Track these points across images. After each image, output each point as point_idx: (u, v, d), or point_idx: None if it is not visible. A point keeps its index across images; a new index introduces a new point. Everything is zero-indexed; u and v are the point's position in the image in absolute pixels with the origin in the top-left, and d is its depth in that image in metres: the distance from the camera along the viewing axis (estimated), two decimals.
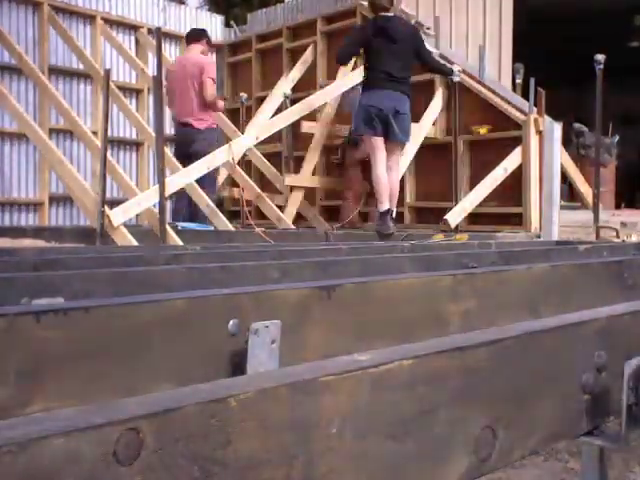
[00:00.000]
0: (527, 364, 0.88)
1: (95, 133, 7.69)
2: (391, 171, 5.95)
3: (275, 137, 8.16)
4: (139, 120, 7.55)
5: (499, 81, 8.03)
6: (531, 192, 6.43)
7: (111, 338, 1.00)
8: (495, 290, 1.64)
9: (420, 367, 0.74)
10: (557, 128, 6.40)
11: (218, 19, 10.47)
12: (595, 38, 10.03)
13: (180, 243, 5.13)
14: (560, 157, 6.50)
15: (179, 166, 6.74)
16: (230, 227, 6.56)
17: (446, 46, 7.94)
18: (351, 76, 7.77)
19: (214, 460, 0.57)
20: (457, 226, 6.18)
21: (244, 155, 7.82)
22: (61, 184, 7.86)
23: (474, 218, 6.83)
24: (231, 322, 1.10)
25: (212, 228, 6.59)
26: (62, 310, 0.96)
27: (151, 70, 8.00)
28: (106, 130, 6.07)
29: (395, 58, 5.84)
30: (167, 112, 7.96)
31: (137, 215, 6.53)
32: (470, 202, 6.40)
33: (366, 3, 8.20)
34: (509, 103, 6.82)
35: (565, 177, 7.19)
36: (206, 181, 6.68)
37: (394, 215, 5.96)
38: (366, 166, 6.59)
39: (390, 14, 6.13)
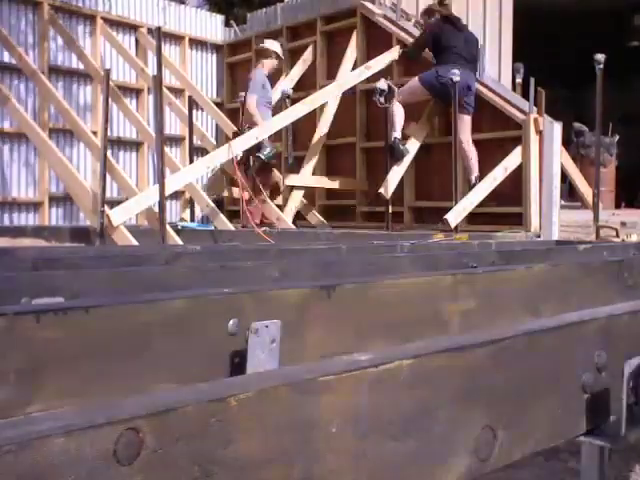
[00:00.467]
0: (527, 364, 0.88)
1: (95, 133, 7.70)
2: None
3: (275, 137, 8.16)
4: (139, 120, 7.55)
5: (499, 81, 8.02)
6: (531, 192, 6.43)
7: (111, 338, 1.00)
8: (495, 290, 1.64)
9: (420, 367, 0.74)
10: (557, 128, 6.39)
11: (218, 19, 10.47)
12: (595, 38, 10.03)
13: (180, 243, 5.13)
14: (560, 157, 6.49)
15: (179, 166, 6.74)
16: (230, 227, 6.56)
17: None
18: (351, 77, 7.78)
19: (214, 460, 0.57)
20: (457, 226, 6.18)
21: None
22: (61, 184, 7.86)
23: (474, 218, 6.82)
24: (231, 322, 1.10)
25: (212, 228, 6.59)
26: (62, 310, 0.96)
27: (151, 70, 8.00)
28: (106, 130, 6.07)
29: (467, 43, 6.98)
30: (167, 112, 7.96)
31: (137, 215, 6.53)
32: (470, 202, 6.39)
33: (373, 9, 8.21)
34: (509, 103, 6.82)
35: (565, 177, 7.18)
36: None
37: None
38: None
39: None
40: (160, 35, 6.05)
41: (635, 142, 12.37)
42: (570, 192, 8.68)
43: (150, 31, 8.84)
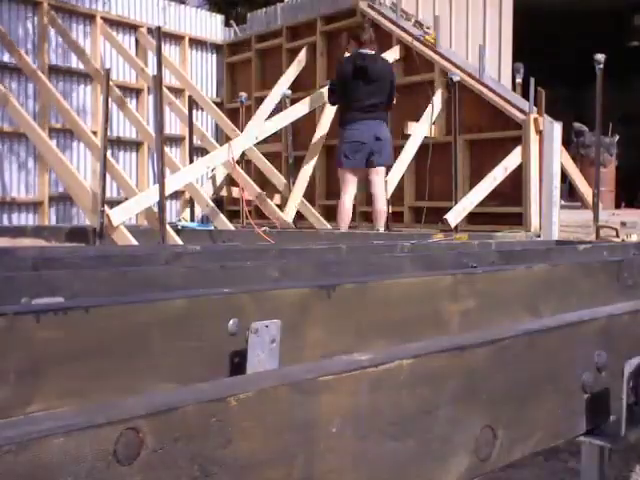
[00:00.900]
0: (527, 364, 0.88)
1: (95, 133, 7.70)
2: (380, 195, 6.39)
3: (275, 137, 8.16)
4: (139, 120, 7.55)
5: (499, 81, 8.02)
6: (531, 192, 6.43)
7: (111, 338, 1.00)
8: (495, 290, 1.64)
9: (420, 367, 0.74)
10: (557, 128, 6.39)
11: (218, 19, 10.47)
12: (595, 38, 10.03)
13: (180, 243, 5.13)
14: (560, 157, 6.49)
15: (179, 166, 6.74)
16: (230, 227, 6.56)
17: (446, 46, 7.94)
18: None
19: (214, 460, 0.57)
20: (457, 226, 6.18)
21: (244, 155, 7.82)
22: (61, 184, 7.86)
23: (474, 218, 6.82)
24: (231, 322, 1.10)
25: (212, 228, 6.59)
26: (62, 310, 0.96)
27: (151, 70, 8.00)
28: (106, 130, 6.07)
29: (370, 94, 6.30)
30: (167, 112, 7.96)
31: (137, 215, 6.53)
32: (470, 201, 6.40)
33: (365, 6, 8.20)
34: (509, 103, 6.82)
35: (565, 177, 7.18)
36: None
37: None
38: None
39: (370, 51, 6.43)
40: (160, 35, 6.05)
41: (635, 142, 12.37)
42: (570, 192, 8.68)
43: (150, 31, 8.84)
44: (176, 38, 9.78)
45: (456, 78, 6.66)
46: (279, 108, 7.98)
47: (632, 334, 1.06)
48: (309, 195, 8.05)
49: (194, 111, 8.44)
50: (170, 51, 9.55)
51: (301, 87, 8.65)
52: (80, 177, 6.28)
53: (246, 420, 0.60)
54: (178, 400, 0.56)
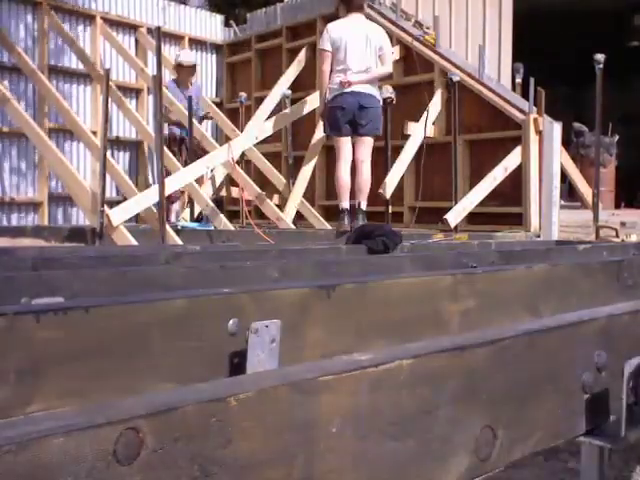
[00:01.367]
0: (527, 364, 0.88)
1: (95, 133, 7.70)
2: (362, 163, 6.09)
3: (275, 137, 8.15)
4: (139, 120, 7.55)
5: (499, 81, 8.02)
6: (531, 192, 6.43)
7: (111, 338, 1.00)
8: (495, 290, 1.64)
9: (420, 367, 0.74)
10: (557, 128, 6.39)
11: (218, 19, 10.47)
12: (595, 38, 10.03)
13: (180, 243, 5.13)
14: (560, 157, 6.49)
15: (179, 166, 6.74)
16: (230, 227, 6.56)
17: (446, 46, 7.94)
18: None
19: (214, 460, 0.57)
20: (457, 226, 6.18)
21: (244, 155, 7.82)
22: (60, 184, 7.86)
23: (474, 218, 6.82)
24: (231, 322, 1.10)
25: (212, 228, 6.59)
26: (62, 310, 0.96)
27: (151, 70, 8.00)
28: (106, 130, 6.07)
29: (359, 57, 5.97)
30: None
31: (137, 215, 6.53)
32: (470, 201, 6.40)
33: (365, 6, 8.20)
34: (509, 103, 6.82)
35: (565, 177, 7.18)
36: None
37: (363, 207, 6.04)
38: None
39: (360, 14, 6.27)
40: (160, 35, 6.04)
41: (635, 142, 12.37)
42: (570, 192, 8.68)
43: (150, 31, 8.84)
44: (176, 38, 9.78)
45: (456, 78, 6.66)
46: (279, 108, 7.97)
47: (632, 334, 1.06)
48: (309, 195, 8.05)
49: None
50: (170, 51, 9.55)
51: (301, 87, 8.65)
52: (80, 177, 6.28)
53: (246, 420, 0.60)
54: (178, 400, 0.56)
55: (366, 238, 2.68)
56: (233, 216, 8.07)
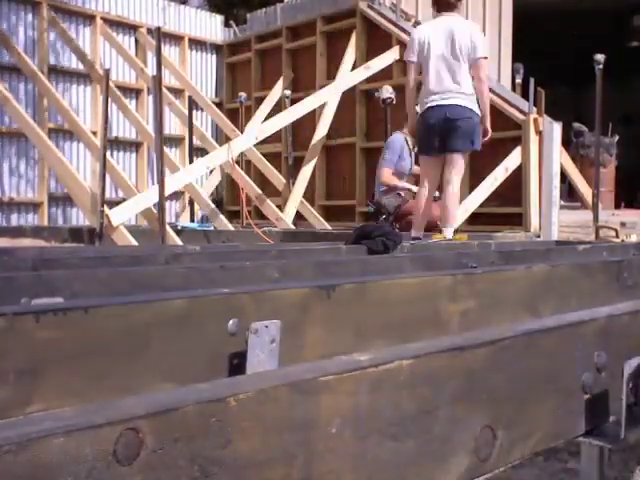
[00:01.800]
0: (527, 364, 0.88)
1: (94, 133, 7.70)
2: (447, 185, 5.01)
3: (275, 137, 8.15)
4: (138, 120, 7.55)
5: (499, 81, 8.02)
6: (531, 192, 6.43)
7: (110, 338, 1.00)
8: (495, 290, 1.64)
9: (420, 367, 0.74)
10: (557, 128, 6.39)
11: (218, 19, 10.48)
12: (595, 38, 10.03)
13: (180, 243, 5.13)
14: (560, 157, 6.49)
15: (179, 166, 6.74)
16: (230, 227, 6.56)
17: None
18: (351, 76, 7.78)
19: (214, 460, 0.57)
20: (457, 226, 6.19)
21: (243, 155, 7.82)
22: (60, 184, 7.86)
23: (474, 218, 6.82)
24: (231, 322, 1.10)
25: (212, 228, 6.59)
26: (62, 310, 0.96)
27: (151, 70, 8.00)
28: (106, 130, 6.07)
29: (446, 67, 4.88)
30: (167, 112, 7.96)
31: (137, 215, 6.53)
32: (471, 202, 6.40)
33: (365, 6, 8.20)
34: (509, 103, 6.82)
35: (565, 177, 7.18)
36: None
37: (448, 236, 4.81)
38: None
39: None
40: (160, 35, 6.04)
41: (635, 142, 12.36)
42: (570, 192, 8.67)
43: (150, 31, 8.84)
44: (176, 38, 9.78)
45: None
46: (279, 108, 7.98)
47: (632, 334, 1.06)
48: (309, 195, 8.05)
49: (194, 111, 8.44)
50: (170, 51, 9.55)
51: (301, 87, 8.65)
52: (80, 177, 6.28)
53: (246, 420, 0.60)
54: (178, 400, 0.56)
55: (366, 238, 2.68)
56: (233, 216, 8.07)
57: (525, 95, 6.79)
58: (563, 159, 6.75)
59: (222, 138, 8.85)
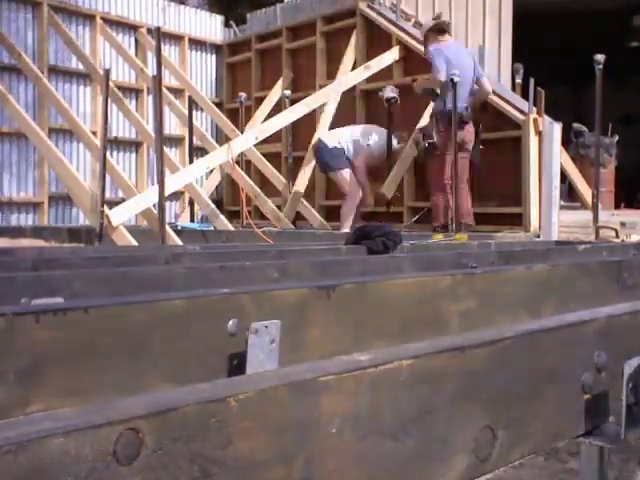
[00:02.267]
0: (527, 364, 0.88)
1: (94, 133, 7.70)
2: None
3: (275, 137, 8.16)
4: (138, 120, 7.55)
5: (499, 81, 8.02)
6: (531, 192, 6.43)
7: (111, 338, 1.00)
8: (495, 290, 1.64)
9: (420, 367, 0.74)
10: (557, 128, 6.39)
11: (218, 19, 10.47)
12: (595, 38, 10.03)
13: (180, 243, 5.13)
14: (560, 157, 6.49)
15: (179, 166, 6.74)
16: (230, 227, 6.56)
17: None
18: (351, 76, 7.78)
19: (214, 460, 0.57)
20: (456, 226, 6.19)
21: (244, 155, 7.82)
22: (60, 184, 7.86)
23: (474, 218, 6.82)
24: (231, 322, 1.10)
25: (212, 228, 6.59)
26: (62, 310, 0.96)
27: (151, 70, 8.00)
28: (105, 130, 6.07)
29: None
30: (167, 112, 7.96)
31: (137, 215, 6.53)
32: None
33: (365, 6, 8.20)
34: (509, 103, 6.82)
35: (565, 177, 7.18)
36: None
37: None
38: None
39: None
40: (160, 35, 6.04)
41: (635, 142, 12.36)
42: (570, 192, 8.67)
43: (150, 31, 8.84)
44: (176, 38, 9.78)
45: (456, 79, 6.65)
46: (279, 108, 7.98)
47: (632, 334, 1.06)
48: (309, 195, 8.05)
49: (194, 111, 8.44)
50: (170, 51, 9.55)
51: (301, 87, 8.65)
52: (80, 177, 6.27)
53: (246, 420, 0.60)
54: (178, 400, 0.56)
55: (366, 238, 2.68)
56: (233, 216, 8.07)
57: (525, 95, 6.78)
58: (563, 159, 6.75)
59: (222, 138, 8.85)
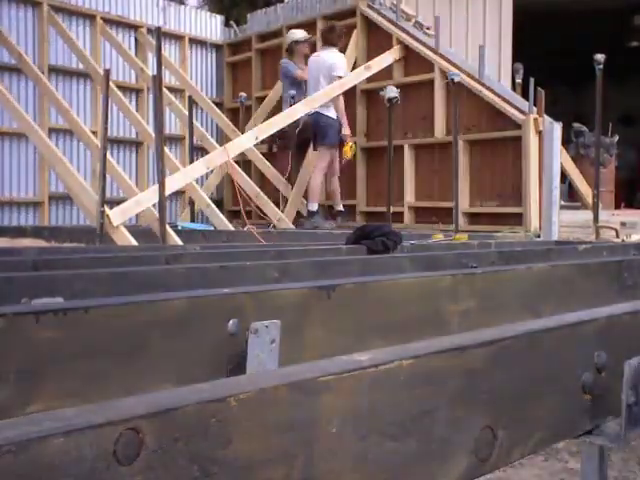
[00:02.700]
0: (527, 364, 0.88)
1: (95, 133, 7.69)
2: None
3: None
4: (139, 120, 7.55)
5: (499, 81, 8.02)
6: (531, 192, 6.43)
7: (111, 338, 1.00)
8: (495, 290, 1.64)
9: (420, 367, 0.74)
10: (557, 128, 6.39)
11: (218, 19, 10.47)
12: (595, 38, 10.03)
13: (180, 243, 5.13)
14: (560, 157, 6.49)
15: (179, 166, 6.73)
16: (230, 227, 6.56)
17: (446, 46, 7.94)
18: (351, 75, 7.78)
19: (214, 460, 0.57)
20: (457, 226, 6.19)
21: (244, 155, 7.82)
22: (61, 183, 7.85)
23: (474, 218, 6.82)
24: (231, 322, 1.10)
25: (212, 228, 6.59)
26: (62, 310, 0.96)
27: (151, 70, 8.00)
28: (106, 130, 6.06)
29: None
30: (167, 112, 7.96)
31: (137, 215, 6.53)
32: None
33: (365, 6, 8.20)
34: (509, 103, 6.82)
35: (565, 177, 7.18)
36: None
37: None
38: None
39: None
40: (160, 35, 6.04)
41: (635, 142, 12.36)
42: (570, 192, 8.67)
43: (150, 31, 8.84)
44: (176, 38, 9.78)
45: (457, 78, 6.66)
46: (279, 108, 7.97)
47: (632, 334, 1.06)
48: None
49: (194, 111, 8.44)
50: (170, 51, 9.55)
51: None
52: (80, 177, 6.27)
53: (246, 420, 0.60)
54: (178, 400, 0.56)
55: (366, 238, 2.68)
56: (233, 216, 8.07)
57: (525, 95, 6.79)
58: (563, 159, 6.75)
59: (222, 138, 8.85)
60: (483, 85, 7.04)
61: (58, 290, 1.37)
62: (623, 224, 6.32)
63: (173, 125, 9.29)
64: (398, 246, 2.69)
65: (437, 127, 7.35)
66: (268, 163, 8.05)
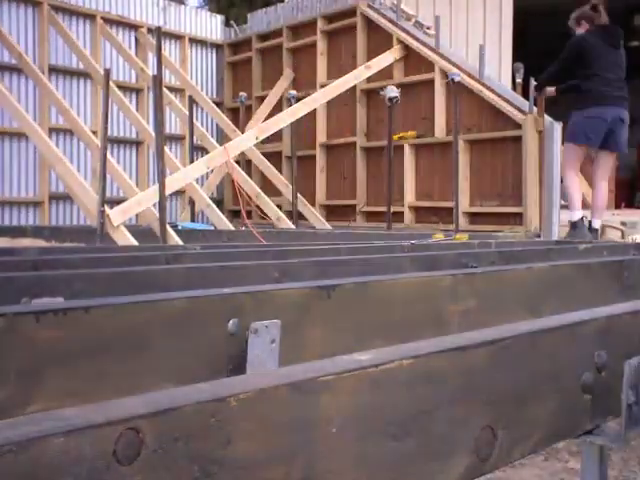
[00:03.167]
0: (527, 364, 0.88)
1: (95, 132, 7.70)
2: (604, 182, 6.00)
3: (276, 136, 8.16)
4: (139, 119, 7.55)
5: (499, 81, 8.02)
6: (531, 192, 6.43)
7: (111, 338, 1.00)
8: (495, 290, 1.64)
9: (420, 367, 0.74)
10: (557, 128, 6.39)
11: (218, 19, 10.47)
12: None
13: (180, 243, 5.13)
14: (560, 157, 6.49)
15: (179, 166, 6.74)
16: (230, 227, 6.56)
17: (446, 46, 7.94)
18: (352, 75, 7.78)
19: (214, 460, 0.57)
20: (457, 226, 6.20)
21: (244, 155, 7.82)
22: (61, 183, 7.86)
23: (474, 218, 6.82)
24: (231, 322, 1.10)
25: (212, 228, 6.59)
26: (62, 310, 0.96)
27: (151, 70, 8.00)
28: (106, 129, 6.06)
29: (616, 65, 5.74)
30: (167, 111, 7.96)
31: (137, 215, 6.53)
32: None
33: (365, 6, 8.20)
34: (509, 103, 6.82)
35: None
36: None
37: (594, 227, 5.76)
38: None
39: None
40: (160, 35, 6.04)
41: (635, 142, 12.35)
42: None
43: (150, 31, 8.84)
44: (176, 38, 9.78)
45: (457, 78, 6.66)
46: (280, 108, 7.97)
47: (632, 334, 1.06)
48: (309, 195, 8.06)
49: (194, 111, 8.44)
50: (170, 51, 9.55)
51: (302, 86, 8.65)
52: (80, 177, 6.27)
53: (246, 420, 0.60)
54: (178, 400, 0.56)
55: None
56: (234, 216, 8.08)
57: (525, 95, 6.79)
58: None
59: (223, 138, 8.86)
60: (483, 85, 7.04)
61: (58, 290, 1.37)
62: (623, 224, 6.32)
63: (173, 125, 9.29)
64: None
65: (437, 127, 7.35)
66: (268, 163, 8.05)
